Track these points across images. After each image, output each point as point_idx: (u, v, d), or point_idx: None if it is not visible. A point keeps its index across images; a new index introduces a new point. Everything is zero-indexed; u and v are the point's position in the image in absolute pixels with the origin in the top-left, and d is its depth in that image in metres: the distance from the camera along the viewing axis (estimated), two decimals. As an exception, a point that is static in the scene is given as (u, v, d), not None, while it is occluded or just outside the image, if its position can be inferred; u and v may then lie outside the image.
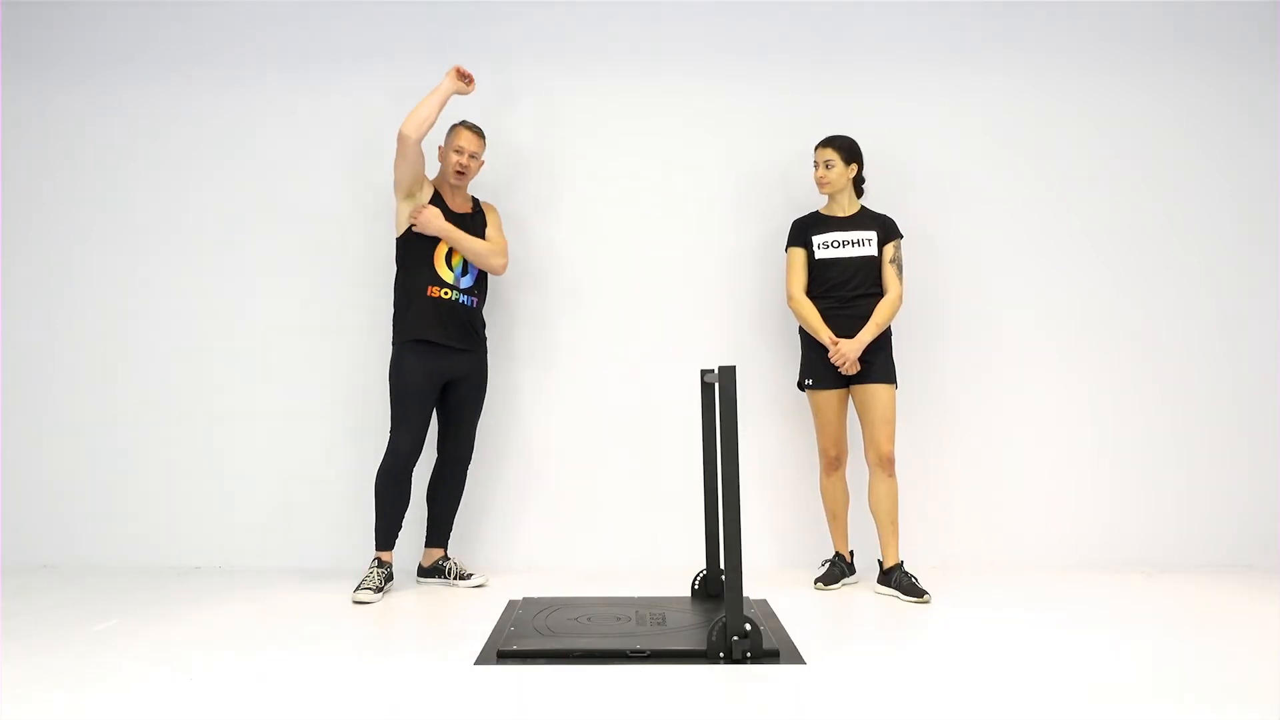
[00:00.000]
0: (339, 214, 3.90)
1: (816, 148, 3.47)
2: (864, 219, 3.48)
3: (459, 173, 3.45)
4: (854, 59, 3.89)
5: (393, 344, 3.44)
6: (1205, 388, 3.84)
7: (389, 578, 3.36)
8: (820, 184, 3.45)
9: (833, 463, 3.49)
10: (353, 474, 3.84)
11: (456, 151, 3.44)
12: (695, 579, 3.25)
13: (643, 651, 2.53)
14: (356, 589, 3.24)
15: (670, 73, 3.91)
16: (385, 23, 3.93)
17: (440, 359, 3.39)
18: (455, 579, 3.46)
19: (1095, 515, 3.81)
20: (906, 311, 3.67)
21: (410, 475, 3.37)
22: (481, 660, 2.52)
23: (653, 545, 3.80)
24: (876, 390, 3.35)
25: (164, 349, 3.91)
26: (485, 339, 3.57)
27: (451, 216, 3.44)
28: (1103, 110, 3.89)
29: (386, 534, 3.38)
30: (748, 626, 2.50)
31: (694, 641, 2.62)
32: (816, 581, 3.41)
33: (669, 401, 3.82)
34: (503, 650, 2.56)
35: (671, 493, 3.80)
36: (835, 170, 3.42)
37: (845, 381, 3.42)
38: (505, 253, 3.53)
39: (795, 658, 2.53)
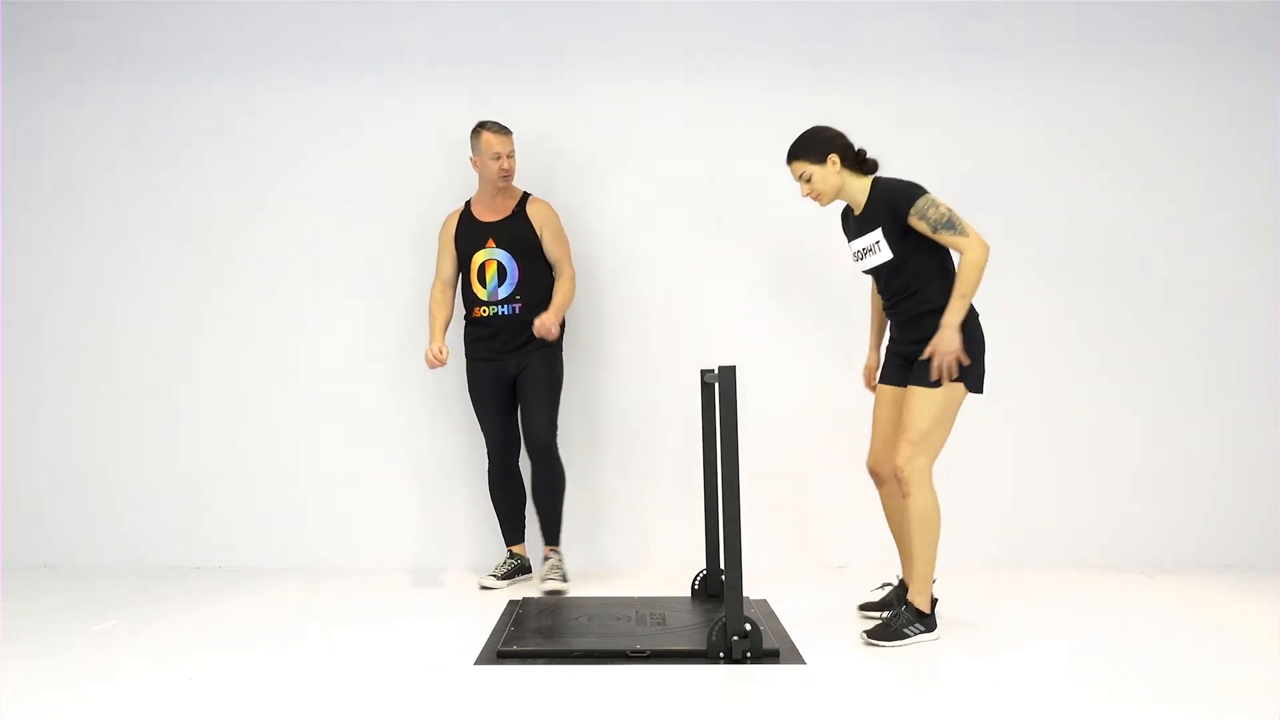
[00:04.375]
0: (338, 213, 3.90)
1: (788, 165, 2.89)
2: (871, 213, 2.83)
3: (505, 176, 3.46)
4: (856, 60, 3.88)
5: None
6: (1205, 388, 3.83)
7: (519, 569, 3.53)
8: (814, 200, 2.87)
9: (873, 476, 2.97)
10: (352, 473, 3.84)
11: (495, 158, 3.42)
12: (695, 579, 3.25)
13: (643, 651, 2.53)
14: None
15: (673, 74, 3.89)
16: (385, 22, 3.92)
17: (494, 364, 3.48)
18: (542, 579, 3.41)
19: (1095, 515, 3.81)
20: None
21: (508, 474, 3.56)
22: (481, 660, 2.53)
23: (653, 545, 3.80)
24: (907, 393, 2.81)
25: (162, 349, 3.90)
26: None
27: (479, 227, 3.48)
28: (1101, 114, 3.88)
29: (503, 530, 3.61)
30: (748, 626, 2.51)
31: (694, 641, 2.62)
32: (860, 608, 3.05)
33: (669, 401, 3.82)
34: (503, 650, 2.56)
35: (672, 493, 3.80)
36: (815, 177, 2.81)
37: (899, 380, 2.90)
38: (569, 276, 3.52)
39: (795, 658, 2.53)
